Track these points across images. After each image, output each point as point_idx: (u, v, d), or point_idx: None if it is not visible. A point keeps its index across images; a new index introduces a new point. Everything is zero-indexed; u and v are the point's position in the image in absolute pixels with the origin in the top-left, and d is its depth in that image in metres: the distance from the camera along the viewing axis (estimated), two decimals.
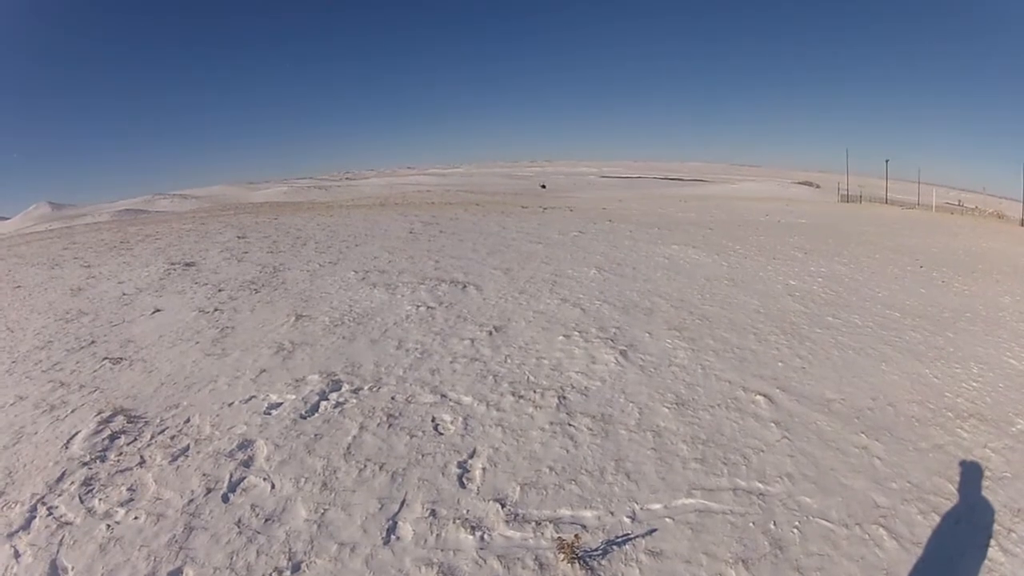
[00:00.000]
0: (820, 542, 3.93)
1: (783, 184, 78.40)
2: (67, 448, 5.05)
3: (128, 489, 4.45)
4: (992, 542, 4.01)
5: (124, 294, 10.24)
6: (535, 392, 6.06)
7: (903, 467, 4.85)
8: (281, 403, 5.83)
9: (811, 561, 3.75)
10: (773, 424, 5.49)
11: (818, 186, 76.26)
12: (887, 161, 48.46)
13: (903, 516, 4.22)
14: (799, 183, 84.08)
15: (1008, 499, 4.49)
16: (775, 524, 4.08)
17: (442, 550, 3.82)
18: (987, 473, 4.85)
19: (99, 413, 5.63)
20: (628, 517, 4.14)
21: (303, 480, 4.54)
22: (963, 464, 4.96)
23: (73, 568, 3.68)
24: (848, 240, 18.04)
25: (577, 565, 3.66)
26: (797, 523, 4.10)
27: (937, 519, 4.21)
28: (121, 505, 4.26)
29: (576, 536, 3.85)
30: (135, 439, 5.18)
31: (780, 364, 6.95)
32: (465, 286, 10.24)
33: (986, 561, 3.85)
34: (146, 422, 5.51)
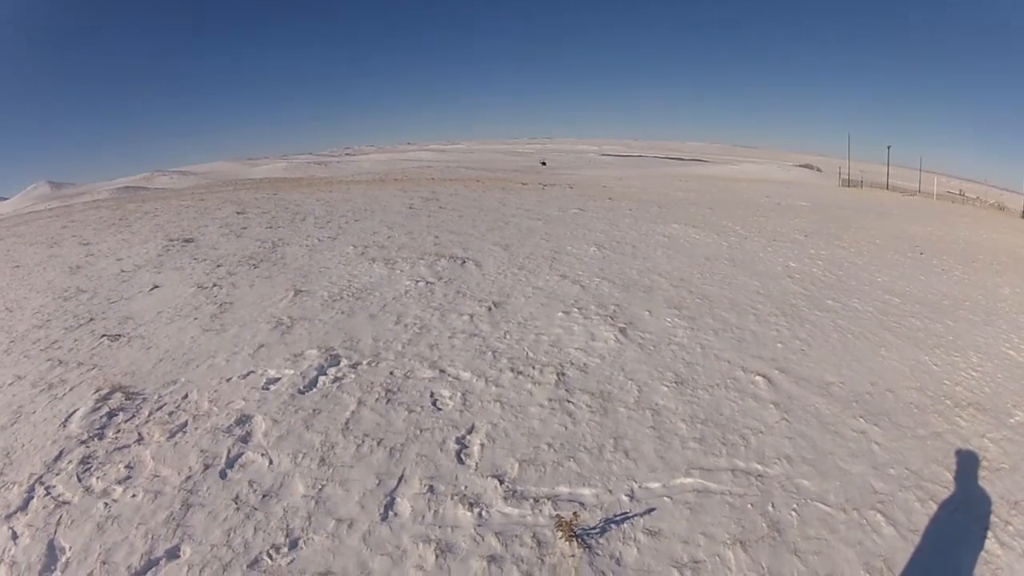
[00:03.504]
0: (818, 526, 3.93)
1: (784, 167, 77.99)
2: (65, 427, 5.03)
3: (126, 467, 4.44)
4: (989, 534, 4.01)
5: (123, 271, 10.19)
6: (534, 368, 6.06)
7: (901, 453, 4.85)
8: (279, 378, 5.81)
9: (809, 545, 3.75)
10: (772, 405, 5.49)
11: (819, 170, 75.91)
12: (889, 147, 48.28)
13: (901, 503, 4.22)
14: (800, 166, 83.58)
15: (1005, 491, 4.49)
16: (773, 506, 4.08)
17: (440, 526, 3.82)
18: (984, 463, 4.84)
19: (97, 391, 5.61)
20: (626, 495, 4.14)
21: (301, 456, 4.53)
22: (961, 453, 4.95)
23: (71, 548, 3.66)
24: (848, 224, 18.03)
25: (575, 543, 3.66)
26: (795, 506, 4.10)
27: (935, 507, 4.21)
28: (119, 483, 4.25)
29: (574, 514, 3.84)
30: (133, 416, 5.17)
31: (779, 345, 6.94)
32: (464, 262, 10.21)
33: (983, 552, 3.84)
34: (144, 399, 5.49)
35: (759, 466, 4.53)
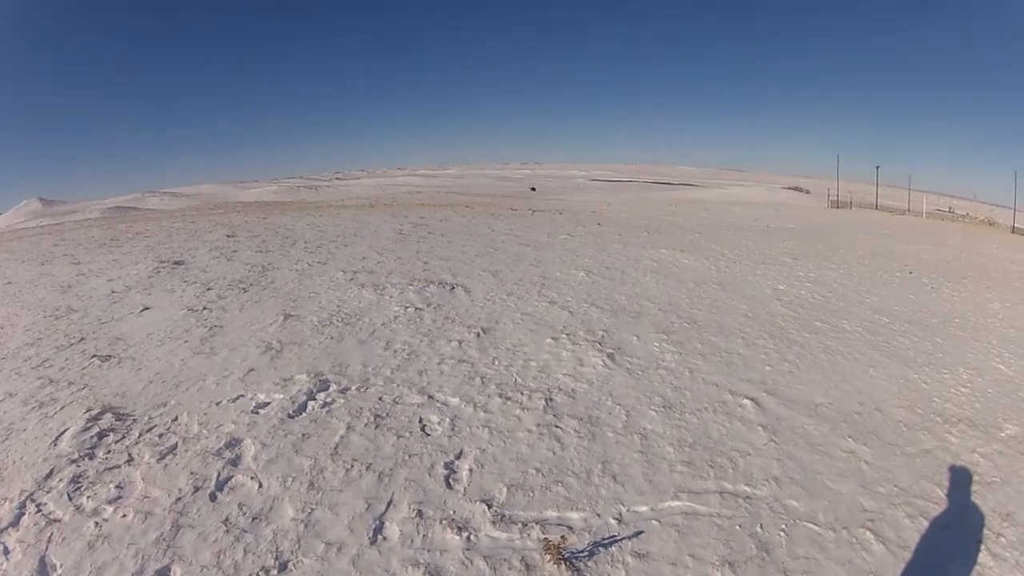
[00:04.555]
0: (807, 545, 3.94)
1: (772, 189, 78.53)
2: (56, 445, 5.03)
3: (116, 487, 4.44)
4: (982, 547, 4.03)
5: (113, 292, 10.19)
6: (522, 394, 6.07)
7: (891, 471, 4.88)
8: (269, 402, 5.81)
9: (798, 564, 3.77)
10: (760, 428, 5.51)
11: (808, 191, 76.36)
12: (878, 167, 48.53)
13: (891, 520, 4.24)
14: (789, 188, 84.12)
15: (997, 504, 4.51)
16: (762, 527, 4.10)
17: (428, 550, 3.82)
18: (976, 478, 4.87)
19: (88, 410, 5.61)
20: (614, 519, 4.15)
21: (290, 479, 4.53)
22: (952, 469, 4.98)
23: (61, 565, 3.67)
24: (837, 245, 18.11)
25: (563, 566, 3.66)
26: (784, 526, 4.12)
27: (925, 524, 4.23)
28: (109, 503, 4.25)
29: (562, 537, 3.86)
30: (123, 437, 5.16)
31: (768, 368, 6.98)
32: (453, 287, 10.23)
33: (976, 566, 3.86)
34: (134, 420, 5.48)
35: (747, 488, 4.55)
